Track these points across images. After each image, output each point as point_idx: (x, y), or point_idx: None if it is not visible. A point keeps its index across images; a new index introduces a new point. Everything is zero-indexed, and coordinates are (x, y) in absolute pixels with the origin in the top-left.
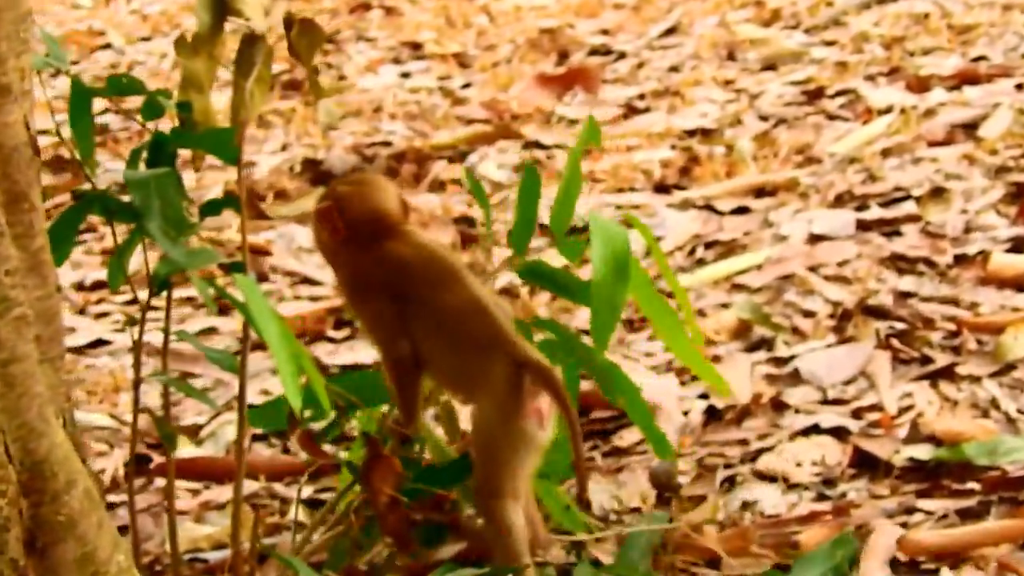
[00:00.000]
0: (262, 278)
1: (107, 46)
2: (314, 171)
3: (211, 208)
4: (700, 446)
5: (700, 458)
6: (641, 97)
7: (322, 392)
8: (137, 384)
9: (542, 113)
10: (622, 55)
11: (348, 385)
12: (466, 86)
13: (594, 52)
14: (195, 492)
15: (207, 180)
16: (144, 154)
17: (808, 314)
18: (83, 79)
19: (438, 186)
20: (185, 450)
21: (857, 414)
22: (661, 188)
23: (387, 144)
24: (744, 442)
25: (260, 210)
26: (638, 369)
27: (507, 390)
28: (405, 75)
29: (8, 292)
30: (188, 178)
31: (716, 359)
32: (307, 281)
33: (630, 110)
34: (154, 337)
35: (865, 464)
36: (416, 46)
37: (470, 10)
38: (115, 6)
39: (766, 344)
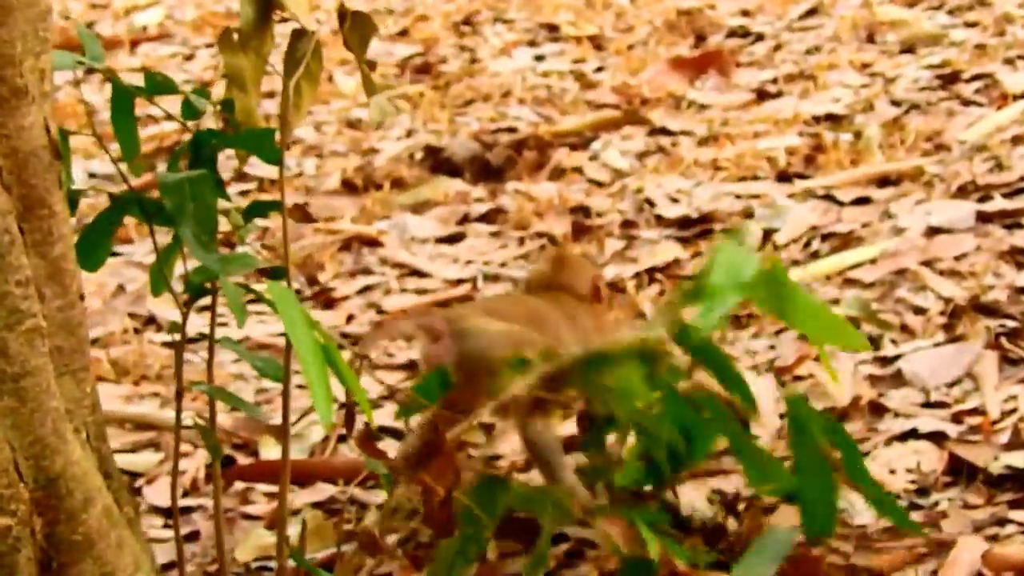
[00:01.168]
0: (365, 272)
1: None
2: (435, 158)
3: (255, 210)
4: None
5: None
6: (774, 81)
7: (363, 401)
8: (179, 394)
9: (673, 98)
10: (760, 37)
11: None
12: (599, 70)
13: (732, 34)
14: (272, 496)
15: (328, 167)
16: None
17: (919, 311)
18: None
19: (558, 174)
20: (272, 451)
21: (957, 418)
22: (783, 177)
23: (512, 130)
24: None
25: (307, 213)
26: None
27: None
28: (539, 58)
29: (19, 303)
30: (310, 165)
31: (820, 358)
32: (416, 273)
33: (762, 95)
34: (259, 329)
35: (961, 472)
36: (553, 28)
37: None
38: None
39: (873, 343)
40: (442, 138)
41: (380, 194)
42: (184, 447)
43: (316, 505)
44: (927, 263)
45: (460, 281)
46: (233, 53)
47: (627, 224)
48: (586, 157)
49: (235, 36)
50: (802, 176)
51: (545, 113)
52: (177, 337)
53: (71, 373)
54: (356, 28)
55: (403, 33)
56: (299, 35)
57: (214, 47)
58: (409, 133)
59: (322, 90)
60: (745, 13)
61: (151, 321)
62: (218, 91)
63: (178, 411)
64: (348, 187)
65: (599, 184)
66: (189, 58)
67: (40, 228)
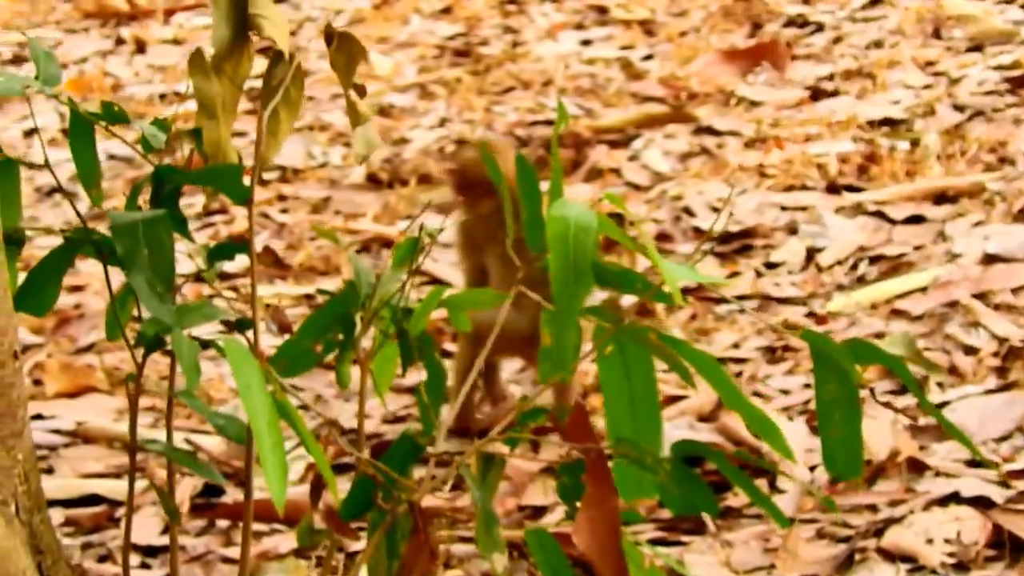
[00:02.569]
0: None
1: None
2: None
3: (219, 253)
4: (822, 512)
5: (820, 527)
6: (830, 78)
7: (328, 476)
8: (132, 451)
9: (722, 93)
10: (819, 27)
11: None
12: (647, 58)
13: (790, 23)
14: (259, 536)
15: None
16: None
17: (970, 351)
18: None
19: (595, 175)
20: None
21: (1005, 481)
22: (833, 188)
23: (549, 123)
24: (873, 508)
25: (278, 258)
26: (766, 410)
27: None
28: (586, 43)
29: None
30: (336, 154)
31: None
32: (435, 283)
33: (816, 93)
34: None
35: (1004, 545)
36: (602, 10)
37: None
38: None
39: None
40: (476, 130)
41: (406, 190)
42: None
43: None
44: (981, 295)
45: None
46: (204, 77)
47: (662, 237)
48: (625, 157)
49: (207, 58)
50: (853, 188)
51: (587, 105)
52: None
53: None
54: (343, 51)
55: (446, 11)
56: (277, 59)
57: None
58: (443, 122)
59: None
60: (805, 0)
61: None
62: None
63: (131, 472)
64: (373, 181)
65: (637, 188)
66: None
67: None
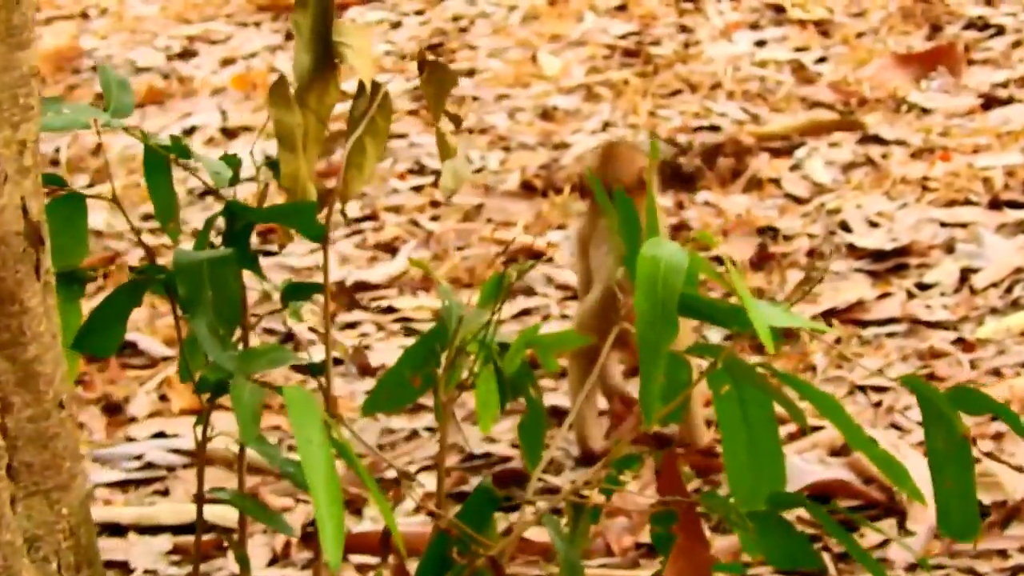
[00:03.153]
0: (527, 291)
1: None
2: None
3: (294, 293)
4: (950, 556)
5: (947, 573)
6: (1005, 85)
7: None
8: (200, 501)
9: (893, 99)
10: (1000, 30)
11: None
12: (820, 60)
13: (970, 25)
14: (366, 569)
15: (512, 162)
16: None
17: None
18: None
19: (755, 185)
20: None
21: None
22: (996, 204)
23: (714, 129)
24: (1003, 554)
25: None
26: (896, 445)
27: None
28: (760, 43)
29: None
30: (494, 159)
31: (998, 436)
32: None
33: (989, 100)
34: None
35: None
36: (779, 9)
37: None
38: None
39: None
40: (638, 135)
41: (560, 199)
42: (285, 501)
43: None
44: None
45: None
46: (285, 107)
47: (813, 254)
48: (787, 166)
49: (290, 87)
50: (1016, 204)
51: (753, 110)
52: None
53: (42, 494)
54: (433, 80)
55: (622, 8)
56: (363, 89)
57: (424, 14)
58: (605, 126)
59: (523, 72)
60: (988, 1)
61: None
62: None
63: (200, 513)
64: (527, 188)
65: (796, 200)
66: (396, 26)
67: (9, 327)
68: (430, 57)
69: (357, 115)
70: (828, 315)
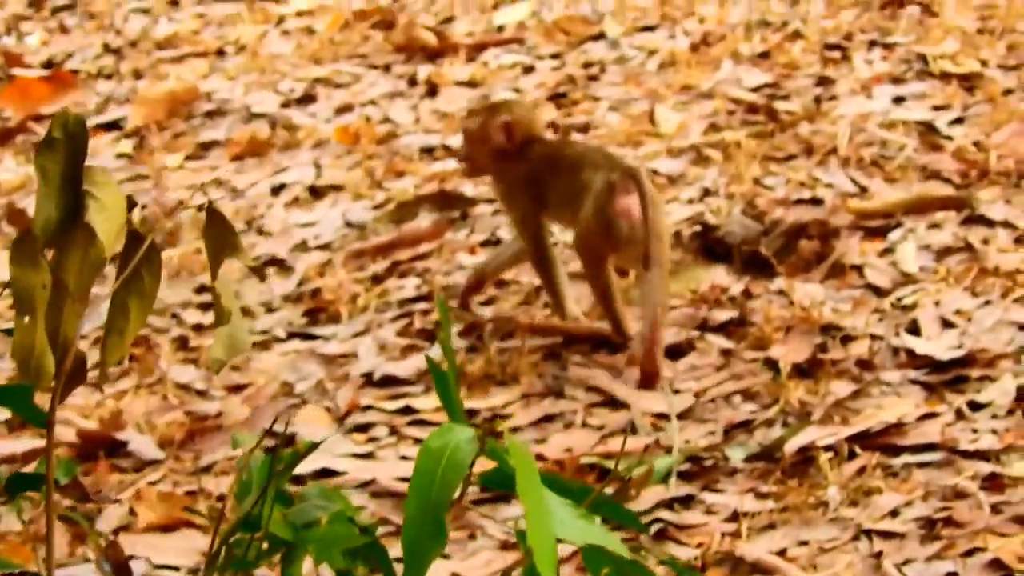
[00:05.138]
0: (557, 393)
1: (600, 36)
2: (707, 236)
3: (16, 485)
4: None
5: None
6: None
7: None
8: None
9: (1018, 172)
10: None
11: None
12: (956, 122)
13: None
14: None
15: None
16: None
17: None
18: None
19: (837, 271)
20: None
21: None
22: None
23: (815, 202)
24: None
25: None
26: None
27: (603, 193)
28: (898, 100)
29: None
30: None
31: None
32: (608, 403)
33: None
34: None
35: None
36: (928, 60)
37: None
38: None
39: None
40: (733, 208)
41: (626, 283)
42: None
43: None
44: None
45: (659, 416)
46: (28, 266)
47: (862, 364)
48: (878, 250)
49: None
50: None
51: (865, 181)
52: None
53: None
54: (211, 235)
55: (764, 56)
56: (133, 239)
57: (560, 58)
58: (703, 195)
59: (638, 129)
60: None
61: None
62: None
63: None
64: None
65: (875, 291)
66: (528, 70)
67: None
68: (214, 207)
69: (123, 273)
70: (860, 438)
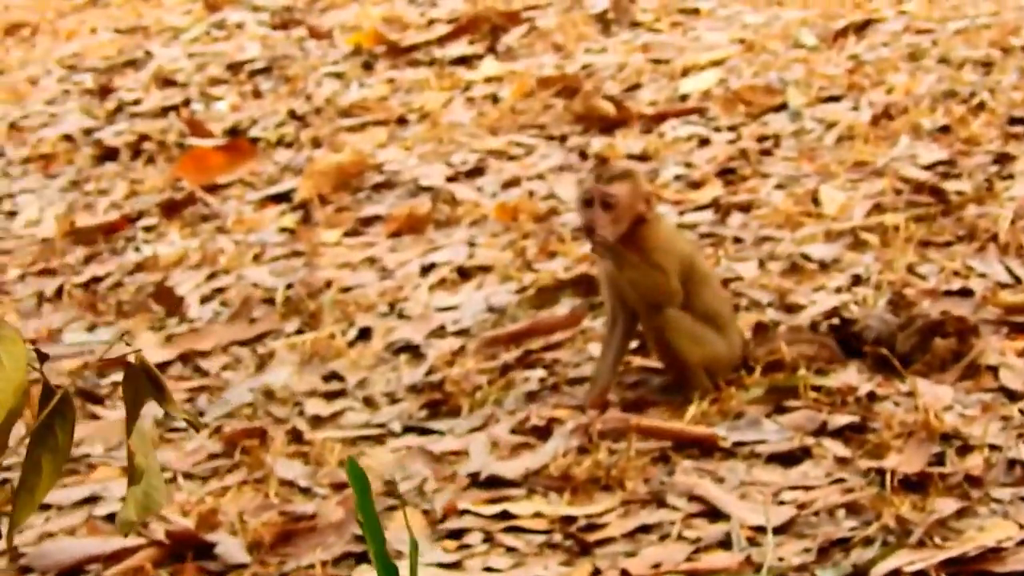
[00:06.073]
0: (658, 501)
1: (782, 107)
2: (845, 330)
3: None
4: None
5: None
6: None
7: None
8: None
9: None
10: None
11: None
12: None
13: None
14: None
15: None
16: None
17: None
18: None
19: (971, 372)
20: None
21: None
22: None
23: (965, 293)
24: None
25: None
26: None
27: None
28: None
29: None
30: None
31: None
32: (708, 514)
33: None
34: None
35: None
36: None
37: None
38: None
39: None
40: (881, 297)
41: (754, 379)
42: None
43: None
44: None
45: (758, 529)
46: None
47: (971, 480)
48: (1018, 349)
49: None
50: None
51: (1020, 271)
52: None
53: None
54: (130, 385)
55: (944, 130)
56: (48, 393)
57: (737, 130)
58: (852, 284)
59: (801, 209)
60: None
61: None
62: None
63: None
64: None
65: (1009, 395)
66: (704, 143)
67: None
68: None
69: (36, 427)
70: (954, 563)
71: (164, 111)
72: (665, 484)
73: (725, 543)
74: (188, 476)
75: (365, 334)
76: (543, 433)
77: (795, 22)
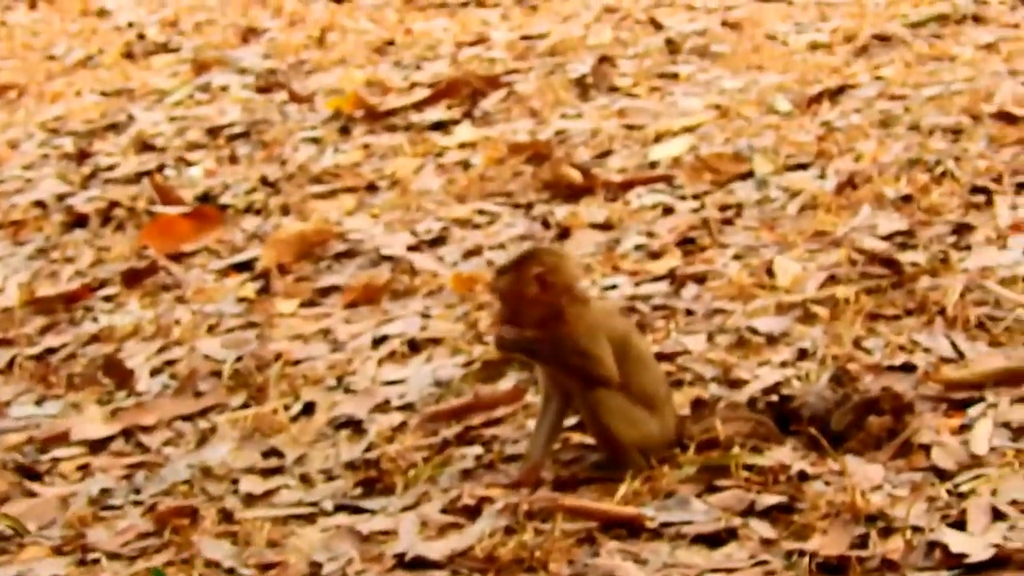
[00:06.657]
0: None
1: (749, 175)
2: (782, 407)
3: None
4: None
5: None
6: None
7: None
8: None
9: None
10: None
11: None
12: None
13: None
14: None
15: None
16: None
17: None
18: None
19: (904, 451)
20: None
21: None
22: None
23: (907, 369)
24: None
25: None
26: None
27: None
28: None
29: None
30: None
31: None
32: None
33: None
34: None
35: None
36: None
37: None
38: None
39: None
40: (822, 373)
41: (687, 456)
42: None
43: None
44: None
45: None
46: None
47: (888, 564)
48: (953, 427)
49: None
50: None
51: (965, 345)
52: None
53: None
54: None
55: (906, 199)
56: None
57: (702, 198)
58: (797, 359)
59: (754, 280)
60: None
61: None
62: None
63: None
64: None
65: (939, 474)
66: (668, 212)
67: None
68: None
69: None
70: None
71: (138, 176)
72: (588, 567)
73: None
74: (115, 556)
75: (309, 409)
76: (473, 512)
77: (772, 87)
